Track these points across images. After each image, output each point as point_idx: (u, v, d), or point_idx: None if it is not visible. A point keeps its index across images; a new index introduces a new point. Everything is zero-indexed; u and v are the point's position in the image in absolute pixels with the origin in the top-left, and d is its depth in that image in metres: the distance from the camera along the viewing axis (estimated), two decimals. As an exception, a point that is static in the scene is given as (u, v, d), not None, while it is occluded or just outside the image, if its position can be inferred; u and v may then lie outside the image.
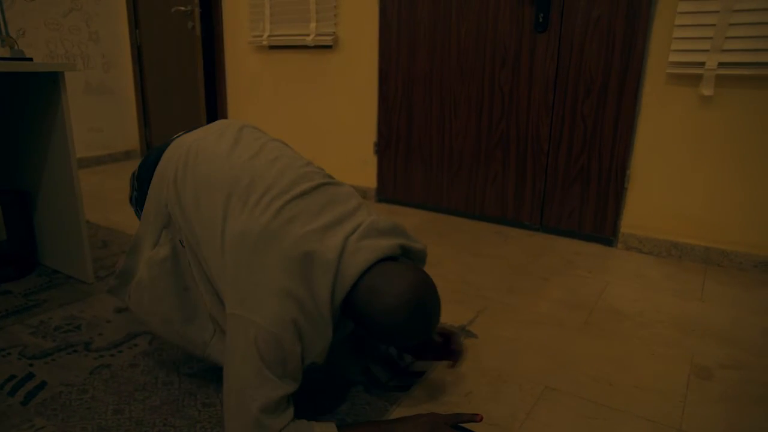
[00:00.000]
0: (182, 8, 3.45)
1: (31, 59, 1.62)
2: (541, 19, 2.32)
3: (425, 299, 0.99)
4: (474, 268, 2.07)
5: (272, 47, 3.25)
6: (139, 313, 1.22)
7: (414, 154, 2.83)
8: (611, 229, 2.35)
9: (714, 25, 1.99)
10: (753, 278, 2.05)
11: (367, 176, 3.03)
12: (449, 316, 1.68)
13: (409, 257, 1.14)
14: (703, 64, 2.03)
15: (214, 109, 3.72)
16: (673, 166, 2.17)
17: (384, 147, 2.93)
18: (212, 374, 1.32)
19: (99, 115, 3.94)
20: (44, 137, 1.78)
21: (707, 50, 2.02)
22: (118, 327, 1.55)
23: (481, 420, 1.07)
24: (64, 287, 1.82)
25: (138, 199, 1.28)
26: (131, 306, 1.24)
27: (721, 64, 2.01)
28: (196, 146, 1.19)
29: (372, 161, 2.99)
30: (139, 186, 1.27)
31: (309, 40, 3.00)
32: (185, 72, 3.62)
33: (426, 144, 2.77)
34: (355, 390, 1.28)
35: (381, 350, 1.45)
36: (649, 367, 1.42)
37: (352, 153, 3.08)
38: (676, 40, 2.07)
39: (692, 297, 1.87)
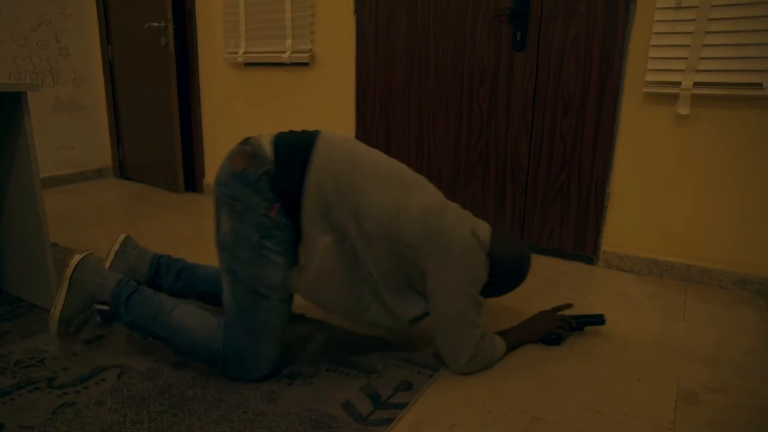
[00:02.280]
0: (155, 24, 3.38)
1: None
2: (518, 38, 2.32)
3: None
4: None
5: (248, 64, 3.20)
6: (311, 298, 1.35)
7: (393, 172, 2.79)
8: (592, 247, 2.34)
9: (688, 45, 2.01)
10: (733, 296, 2.05)
11: (346, 194, 2.98)
12: (427, 342, 1.63)
13: None
14: (679, 83, 2.05)
15: (189, 126, 3.65)
16: (652, 184, 2.18)
17: (362, 165, 2.89)
18: (184, 412, 1.25)
19: (70, 133, 3.83)
20: (6, 158, 1.69)
21: (682, 70, 2.04)
22: (85, 360, 1.47)
23: (572, 306, 1.67)
24: (28, 317, 1.72)
25: (271, 176, 1.30)
26: (302, 293, 1.34)
27: (697, 84, 2.02)
28: (348, 146, 1.37)
29: (350, 179, 2.95)
30: (277, 167, 1.30)
31: (285, 57, 2.96)
32: (159, 88, 3.54)
33: (404, 163, 2.74)
34: (335, 423, 1.22)
35: (363, 383, 1.40)
36: (636, 392, 1.39)
37: (330, 171, 3.03)
38: (652, 59, 2.08)
39: (675, 316, 1.86)
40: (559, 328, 1.62)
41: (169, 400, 1.30)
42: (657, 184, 2.17)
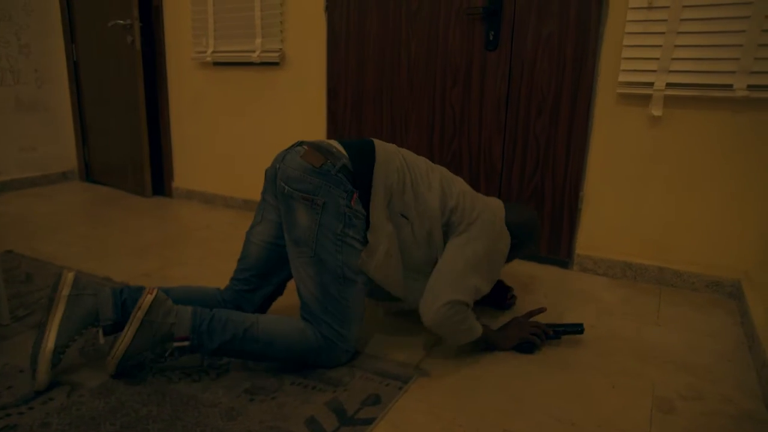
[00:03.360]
0: (121, 22, 3.27)
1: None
2: (491, 38, 2.28)
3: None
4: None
5: (217, 63, 3.11)
6: (377, 277, 1.45)
7: (366, 174, 2.73)
8: (566, 250, 2.31)
9: (661, 46, 1.99)
10: (705, 299, 2.04)
11: (318, 197, 2.92)
12: (401, 350, 1.58)
13: None
14: (651, 84, 2.03)
15: (156, 127, 3.54)
16: (626, 186, 2.16)
17: (334, 167, 2.83)
18: (137, 432, 1.18)
19: (32, 134, 3.70)
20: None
21: (655, 71, 2.02)
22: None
23: (545, 310, 1.67)
24: (-26, 330, 1.63)
25: (348, 169, 1.43)
26: (370, 273, 1.44)
27: (669, 85, 2.01)
28: (395, 147, 1.56)
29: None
30: (352, 161, 1.44)
31: (255, 56, 2.88)
32: (126, 88, 3.43)
33: (378, 164, 2.68)
34: (297, 443, 1.16)
35: (327, 397, 1.34)
36: (611, 401, 1.36)
37: (301, 173, 2.96)
38: (624, 59, 2.06)
39: (648, 320, 1.83)
40: (532, 335, 1.59)
41: (122, 419, 1.22)
42: (631, 186, 2.15)
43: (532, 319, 1.71)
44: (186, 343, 1.35)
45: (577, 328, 1.62)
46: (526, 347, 1.59)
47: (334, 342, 1.42)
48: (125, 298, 1.44)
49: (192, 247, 2.51)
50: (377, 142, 1.52)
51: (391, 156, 1.50)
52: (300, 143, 1.48)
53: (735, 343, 1.69)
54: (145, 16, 3.38)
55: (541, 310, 1.65)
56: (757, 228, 1.98)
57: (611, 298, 2.02)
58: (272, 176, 1.50)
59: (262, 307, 1.63)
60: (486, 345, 1.60)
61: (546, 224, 2.33)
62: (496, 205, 1.61)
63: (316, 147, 1.44)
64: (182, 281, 2.09)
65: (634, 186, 2.14)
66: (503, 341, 1.59)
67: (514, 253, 1.71)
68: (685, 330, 1.77)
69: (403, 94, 2.54)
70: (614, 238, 2.22)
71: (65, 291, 1.36)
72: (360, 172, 1.43)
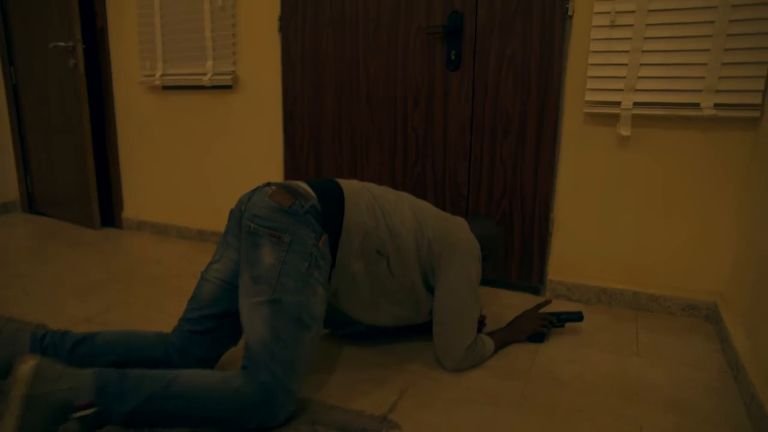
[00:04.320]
0: (62, 44, 3.07)
1: None
2: (453, 57, 2.19)
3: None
4: (395, 330, 1.85)
5: (166, 87, 2.95)
6: (351, 313, 1.55)
7: (327, 201, 2.60)
8: (538, 276, 2.22)
9: (626, 64, 1.94)
10: (683, 324, 1.96)
11: (277, 226, 2.76)
12: (367, 400, 1.44)
13: None
14: (618, 103, 1.97)
15: (104, 154, 3.33)
16: (597, 208, 2.08)
17: (294, 194, 2.68)
18: None
19: (-34, 164, 3.44)
20: None
21: (621, 90, 1.96)
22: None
23: (551, 302, 1.92)
24: None
25: (317, 210, 1.40)
26: (338, 300, 1.50)
27: (637, 104, 1.95)
28: (360, 183, 1.57)
29: (281, 209, 2.73)
30: (321, 202, 1.42)
31: (206, 79, 2.73)
32: (70, 114, 3.22)
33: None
34: None
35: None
36: (596, 451, 1.25)
37: (259, 201, 2.80)
38: (590, 78, 2.00)
39: (628, 351, 1.74)
40: (542, 327, 1.77)
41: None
42: (602, 208, 2.08)
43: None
44: (91, 411, 1.11)
45: (578, 316, 1.82)
46: (537, 337, 1.78)
47: (275, 394, 1.24)
48: (47, 346, 1.31)
49: (139, 286, 2.32)
50: (342, 182, 1.53)
51: (358, 194, 1.50)
52: (267, 184, 1.44)
53: (718, 373, 1.61)
54: (89, 38, 3.19)
55: (547, 302, 1.81)
56: (730, 248, 1.93)
57: (587, 326, 1.93)
58: (237, 216, 1.43)
59: (210, 354, 1.46)
60: (501, 346, 1.73)
61: (516, 249, 2.24)
62: (464, 223, 1.68)
63: (284, 187, 1.41)
64: (125, 326, 1.90)
65: (606, 208, 2.07)
66: (517, 335, 1.77)
67: (484, 266, 1.77)
68: (666, 360, 1.68)
69: (363, 117, 2.43)
70: (587, 262, 2.14)
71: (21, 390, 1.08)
72: (329, 213, 1.41)
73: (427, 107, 2.28)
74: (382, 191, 1.58)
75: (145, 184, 3.19)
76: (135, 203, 3.27)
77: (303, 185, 1.45)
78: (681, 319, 2.00)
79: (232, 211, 1.46)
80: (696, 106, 1.87)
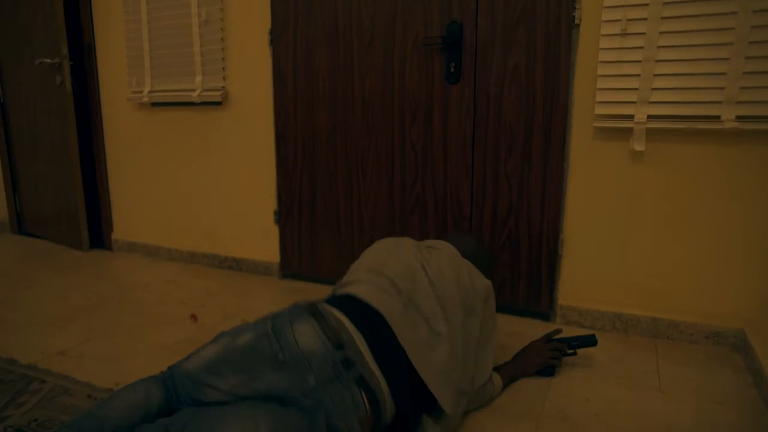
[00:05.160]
0: (48, 60, 2.97)
1: None
2: (452, 69, 2.07)
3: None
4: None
5: (155, 104, 2.83)
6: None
7: (320, 222, 2.47)
8: (547, 301, 2.07)
9: (639, 75, 1.81)
10: (707, 353, 1.81)
11: (269, 250, 2.63)
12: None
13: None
14: (632, 116, 1.84)
15: (92, 173, 3.21)
16: (610, 228, 1.94)
17: (285, 215, 2.55)
18: None
19: (-47, 185, 3.32)
20: None
21: (634, 102, 1.83)
22: None
23: (561, 331, 1.68)
24: None
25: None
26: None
27: (651, 117, 1.82)
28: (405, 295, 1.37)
29: (273, 231, 2.60)
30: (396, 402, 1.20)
31: (195, 95, 2.61)
32: (57, 132, 3.11)
33: (332, 210, 2.42)
34: None
35: None
36: None
37: (250, 223, 2.67)
38: (600, 90, 1.87)
39: (649, 386, 1.59)
40: (552, 359, 1.63)
41: None
42: (615, 228, 1.93)
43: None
44: None
45: (591, 340, 1.66)
46: (548, 371, 1.63)
47: None
48: None
49: (124, 313, 2.18)
50: (387, 315, 1.26)
51: (407, 327, 1.29)
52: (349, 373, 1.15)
53: (751, 412, 1.46)
54: (76, 54, 3.09)
55: (557, 332, 1.68)
56: (756, 270, 1.78)
57: (602, 356, 1.78)
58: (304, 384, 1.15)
59: None
60: (509, 382, 1.60)
61: (523, 272, 2.09)
62: (453, 250, 1.57)
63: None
64: (103, 360, 1.76)
65: (619, 228, 1.93)
66: (525, 369, 1.63)
67: None
68: (692, 396, 1.53)
69: (359, 134, 2.30)
70: (600, 286, 1.99)
71: None
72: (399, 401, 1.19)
73: (426, 122, 2.16)
74: (409, 277, 1.39)
75: (135, 205, 3.07)
76: (125, 224, 3.14)
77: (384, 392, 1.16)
78: (704, 347, 1.85)
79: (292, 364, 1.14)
80: (716, 118, 1.74)
